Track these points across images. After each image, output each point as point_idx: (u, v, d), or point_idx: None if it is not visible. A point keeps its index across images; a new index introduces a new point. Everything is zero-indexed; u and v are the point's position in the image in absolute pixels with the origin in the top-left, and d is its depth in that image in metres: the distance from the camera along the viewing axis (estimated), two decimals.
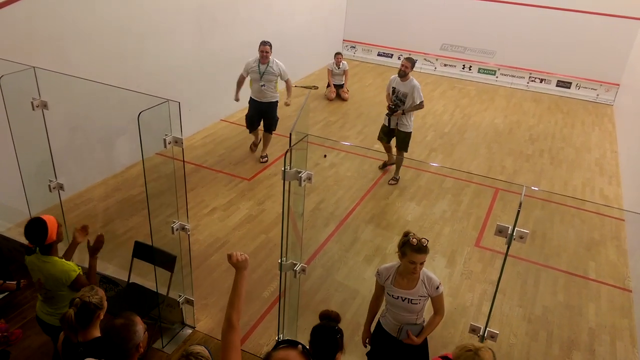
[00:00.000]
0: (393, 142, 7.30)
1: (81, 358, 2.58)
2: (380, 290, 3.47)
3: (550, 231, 6.35)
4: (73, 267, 3.30)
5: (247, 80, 7.27)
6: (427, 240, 3.18)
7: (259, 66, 6.94)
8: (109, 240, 5.58)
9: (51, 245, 3.26)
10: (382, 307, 3.56)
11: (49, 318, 3.42)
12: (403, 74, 6.81)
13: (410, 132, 7.05)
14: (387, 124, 7.11)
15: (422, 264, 3.19)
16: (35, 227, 3.21)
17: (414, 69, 7.01)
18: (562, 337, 4.72)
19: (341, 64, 10.22)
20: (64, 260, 3.33)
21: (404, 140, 7.10)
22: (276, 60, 7.03)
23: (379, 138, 7.40)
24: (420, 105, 6.91)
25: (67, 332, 2.70)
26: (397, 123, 6.99)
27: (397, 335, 3.42)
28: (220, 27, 8.26)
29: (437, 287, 3.32)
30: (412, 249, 3.15)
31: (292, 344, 1.94)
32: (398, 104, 6.91)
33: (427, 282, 3.31)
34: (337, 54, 10.31)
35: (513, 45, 11.65)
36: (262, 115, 7.35)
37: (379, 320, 3.58)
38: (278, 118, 7.47)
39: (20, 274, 4.75)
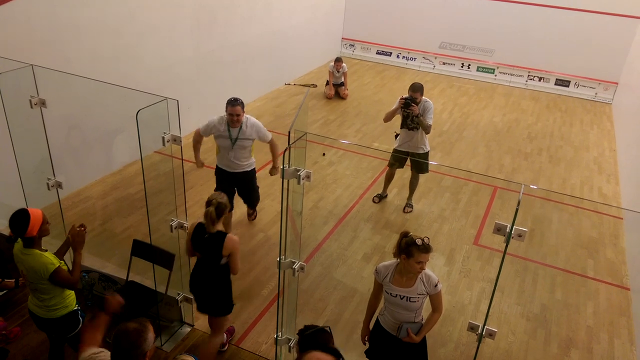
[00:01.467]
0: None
1: (207, 242, 3.63)
2: (378, 288, 3.47)
3: (549, 229, 6.36)
4: (52, 259, 3.25)
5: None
6: (429, 239, 3.23)
7: (228, 130, 5.02)
8: (108, 238, 5.61)
9: (32, 239, 3.23)
10: (381, 305, 3.56)
11: (38, 310, 3.42)
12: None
13: (429, 152, 6.29)
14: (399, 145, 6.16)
15: (425, 262, 3.23)
16: (18, 217, 3.21)
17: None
18: (560, 335, 4.73)
19: (341, 68, 10.16)
20: (45, 253, 3.28)
21: (424, 162, 6.22)
22: (250, 119, 5.12)
23: (390, 165, 6.43)
24: (427, 128, 5.95)
25: (208, 224, 3.59)
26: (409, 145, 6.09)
27: (396, 334, 3.42)
28: (219, 25, 8.25)
29: (436, 285, 3.33)
30: (419, 249, 3.17)
31: (329, 350, 1.99)
32: (414, 119, 5.92)
33: (426, 280, 3.32)
34: (338, 60, 10.17)
35: (512, 44, 11.65)
36: (237, 187, 5.52)
37: (377, 319, 3.58)
38: (258, 187, 5.76)
39: (18, 271, 4.75)
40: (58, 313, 3.42)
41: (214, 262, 3.71)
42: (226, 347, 4.28)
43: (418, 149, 6.11)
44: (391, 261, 3.42)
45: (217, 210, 3.61)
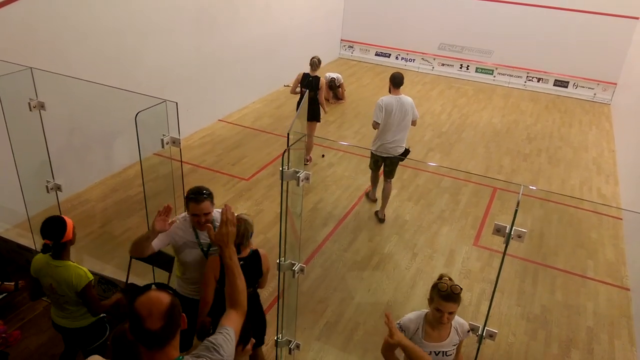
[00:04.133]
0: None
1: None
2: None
3: (548, 230, 6.36)
4: (87, 272, 3.22)
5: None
6: (461, 289, 2.78)
7: (197, 236, 3.50)
8: (107, 240, 5.61)
9: (65, 245, 3.21)
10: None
11: (64, 322, 3.37)
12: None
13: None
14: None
15: (451, 313, 2.82)
16: (54, 223, 3.19)
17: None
18: (560, 336, 4.72)
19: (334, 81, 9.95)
20: (77, 264, 3.25)
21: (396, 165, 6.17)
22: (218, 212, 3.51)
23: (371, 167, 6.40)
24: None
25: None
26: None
27: None
28: (218, 27, 8.26)
29: (468, 331, 3.05)
30: (440, 295, 2.79)
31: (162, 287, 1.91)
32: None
33: (460, 328, 3.02)
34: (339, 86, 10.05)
35: (510, 45, 11.66)
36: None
37: None
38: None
39: (19, 275, 4.74)
40: (85, 322, 3.38)
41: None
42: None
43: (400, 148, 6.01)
44: (417, 312, 3.06)
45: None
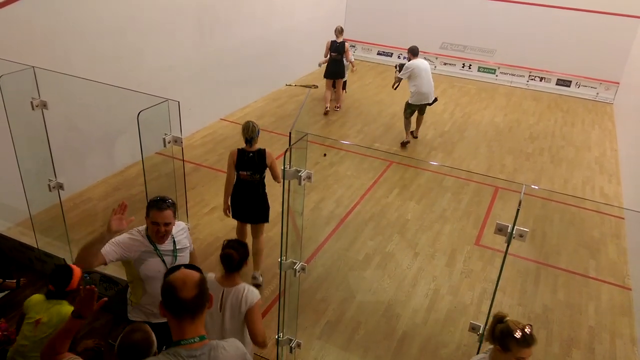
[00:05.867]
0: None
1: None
2: None
3: (550, 230, 6.35)
4: None
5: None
6: (531, 327, 2.60)
7: (155, 247, 3.25)
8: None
9: (67, 294, 3.21)
10: None
11: None
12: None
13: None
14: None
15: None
16: (62, 272, 3.20)
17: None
18: (562, 336, 4.72)
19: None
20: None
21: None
22: (181, 224, 3.47)
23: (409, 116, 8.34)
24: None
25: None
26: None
27: None
28: (220, 25, 8.26)
29: None
30: (518, 342, 2.55)
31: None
32: None
33: None
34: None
35: (513, 44, 11.64)
36: None
37: None
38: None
39: (20, 273, 4.76)
40: None
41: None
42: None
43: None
44: (479, 356, 2.84)
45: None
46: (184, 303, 1.94)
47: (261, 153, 4.73)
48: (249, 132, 4.66)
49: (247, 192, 4.84)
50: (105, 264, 3.06)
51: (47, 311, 3.18)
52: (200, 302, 1.98)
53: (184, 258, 3.32)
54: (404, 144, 8.35)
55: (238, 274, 3.18)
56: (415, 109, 8.31)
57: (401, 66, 8.27)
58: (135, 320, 3.28)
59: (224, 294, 3.11)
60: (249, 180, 4.79)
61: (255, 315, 3.11)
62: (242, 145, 4.78)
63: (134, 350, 2.37)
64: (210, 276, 3.14)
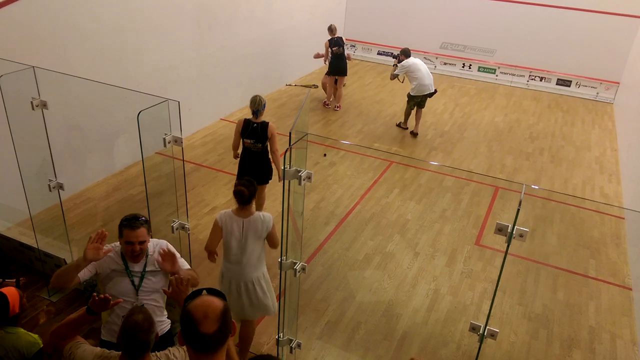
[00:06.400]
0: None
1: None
2: None
3: (550, 229, 6.35)
4: (37, 339, 3.12)
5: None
6: None
7: (126, 266, 3.12)
8: (109, 239, 5.58)
9: (16, 317, 3.12)
10: None
11: None
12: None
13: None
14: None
15: None
16: None
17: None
18: (562, 336, 4.72)
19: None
20: (29, 332, 3.13)
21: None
22: (157, 242, 3.27)
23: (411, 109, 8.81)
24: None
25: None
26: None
27: None
28: (220, 25, 8.26)
29: None
30: None
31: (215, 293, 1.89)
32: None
33: None
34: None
35: (513, 44, 11.64)
36: None
37: None
38: None
39: (20, 273, 4.76)
40: None
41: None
42: None
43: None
44: None
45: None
46: (205, 338, 1.78)
47: (264, 125, 5.26)
48: (255, 104, 5.24)
49: (251, 158, 5.40)
50: (80, 283, 3.11)
51: (1, 345, 3.07)
52: (222, 337, 1.82)
53: (153, 282, 3.13)
54: (404, 128, 8.94)
55: (251, 205, 3.89)
56: (418, 100, 8.62)
57: (398, 56, 8.87)
58: (106, 340, 3.17)
59: (244, 224, 3.84)
60: (252, 148, 5.34)
61: (274, 232, 3.92)
62: None
63: (136, 330, 2.41)
64: (228, 212, 3.88)
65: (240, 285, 3.92)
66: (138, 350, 2.42)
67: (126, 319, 2.46)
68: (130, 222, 3.03)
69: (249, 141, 5.29)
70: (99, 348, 2.62)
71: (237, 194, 3.82)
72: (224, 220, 3.85)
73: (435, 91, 8.73)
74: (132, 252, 3.04)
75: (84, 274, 3.02)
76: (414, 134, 8.78)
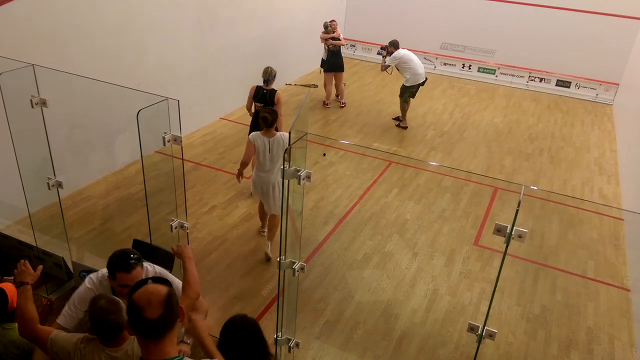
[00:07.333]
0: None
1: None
2: None
3: (549, 230, 6.36)
4: None
5: None
6: None
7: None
8: (108, 237, 5.62)
9: (13, 312, 3.13)
10: None
11: None
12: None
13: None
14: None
15: None
16: None
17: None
18: (560, 336, 4.72)
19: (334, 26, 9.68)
20: None
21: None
22: (155, 268, 3.22)
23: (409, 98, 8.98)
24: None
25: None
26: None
27: None
28: (220, 24, 8.25)
29: None
30: None
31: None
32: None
33: None
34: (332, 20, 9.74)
35: (513, 45, 11.64)
36: None
37: None
38: None
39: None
40: None
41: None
42: None
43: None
44: None
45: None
46: (149, 324, 1.82)
47: (272, 92, 6.26)
48: (267, 74, 6.28)
49: None
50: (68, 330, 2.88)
51: (1, 340, 3.10)
52: (167, 322, 1.86)
53: None
54: (403, 128, 9.03)
55: (273, 128, 5.09)
56: (413, 90, 8.88)
57: (387, 47, 9.06)
58: None
59: (270, 142, 5.05)
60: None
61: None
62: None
63: (104, 315, 2.41)
64: (257, 133, 5.11)
65: (267, 188, 5.18)
66: (111, 333, 2.44)
67: (91, 308, 2.48)
68: (125, 266, 2.82)
69: (258, 105, 6.24)
70: (80, 334, 2.62)
71: (263, 119, 4.99)
72: (255, 139, 5.08)
73: (426, 79, 9.00)
74: (123, 294, 2.78)
75: (71, 322, 2.91)
76: (404, 127, 9.04)
